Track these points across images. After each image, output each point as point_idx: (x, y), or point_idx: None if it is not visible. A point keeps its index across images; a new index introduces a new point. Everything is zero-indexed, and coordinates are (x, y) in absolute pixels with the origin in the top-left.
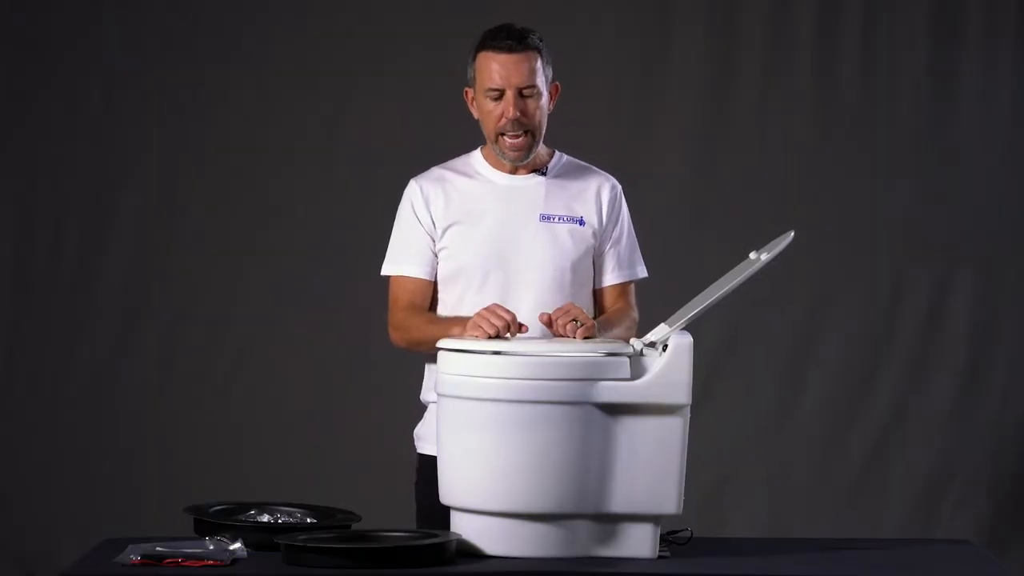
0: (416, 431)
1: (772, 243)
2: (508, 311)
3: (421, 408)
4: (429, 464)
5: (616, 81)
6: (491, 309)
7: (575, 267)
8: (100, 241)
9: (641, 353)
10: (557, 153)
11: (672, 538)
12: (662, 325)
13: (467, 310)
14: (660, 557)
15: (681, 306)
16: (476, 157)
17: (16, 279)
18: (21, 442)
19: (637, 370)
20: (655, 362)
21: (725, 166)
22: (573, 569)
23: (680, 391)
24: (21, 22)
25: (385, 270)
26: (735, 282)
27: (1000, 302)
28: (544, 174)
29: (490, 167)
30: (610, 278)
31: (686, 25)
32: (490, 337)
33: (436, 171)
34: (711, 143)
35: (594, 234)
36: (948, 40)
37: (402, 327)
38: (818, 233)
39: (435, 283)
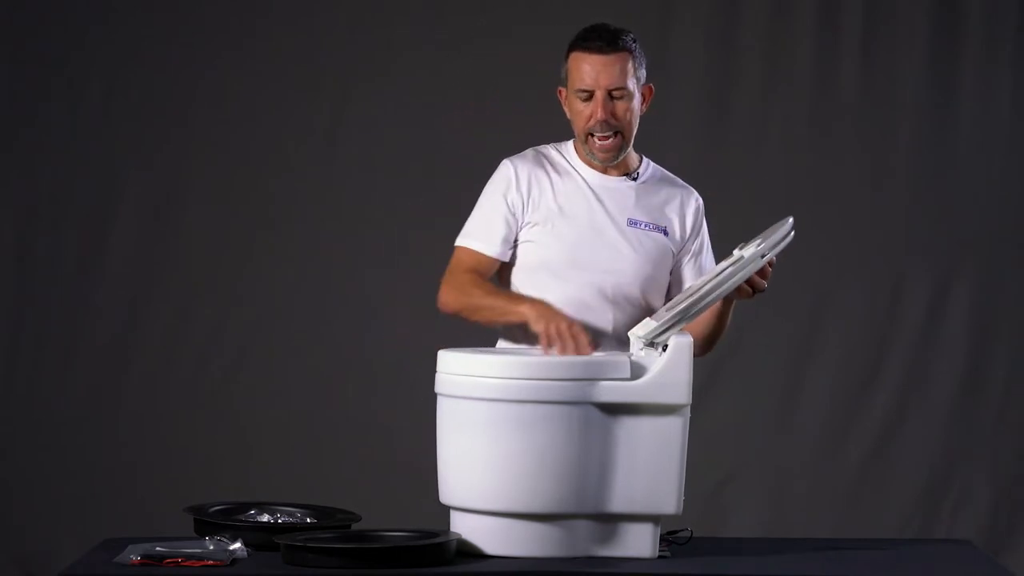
0: None
1: (767, 232)
2: (587, 342)
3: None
4: None
5: None
6: (575, 334)
7: (654, 275)
8: (100, 241)
9: (641, 352)
10: (646, 159)
11: (672, 538)
12: (648, 320)
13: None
14: (660, 557)
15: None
16: (570, 150)
17: (16, 279)
18: (21, 442)
19: (637, 370)
20: (655, 362)
21: (725, 166)
22: (573, 569)
23: (680, 391)
24: (22, 22)
25: (459, 241)
26: (736, 278)
27: (1000, 302)
28: (635, 179)
29: (583, 164)
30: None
31: (686, 25)
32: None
33: (533, 156)
34: (711, 143)
35: (675, 246)
36: (948, 40)
37: (462, 289)
38: (818, 233)
39: (505, 264)
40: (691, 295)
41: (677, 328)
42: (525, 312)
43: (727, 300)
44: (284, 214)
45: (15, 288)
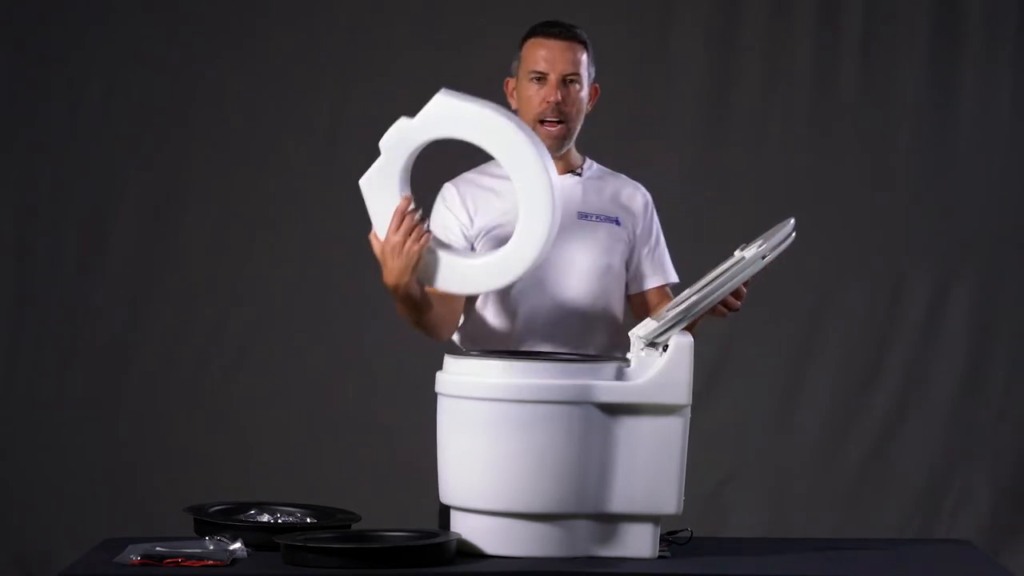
0: None
1: (768, 233)
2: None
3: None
4: None
5: (616, 81)
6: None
7: (610, 265)
8: (100, 241)
9: (641, 352)
10: (589, 159)
11: (672, 538)
12: (648, 320)
13: (505, 304)
14: (660, 557)
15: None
16: None
17: (16, 279)
18: (21, 442)
19: (637, 370)
20: (655, 362)
21: (725, 166)
22: (573, 569)
23: (680, 391)
24: (22, 22)
25: None
26: (737, 279)
27: (1000, 302)
28: (580, 175)
29: None
30: (652, 281)
31: (686, 25)
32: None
33: (470, 175)
34: (711, 143)
35: (628, 237)
36: (948, 40)
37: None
38: (818, 233)
39: None
40: (692, 295)
41: (678, 328)
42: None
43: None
44: (284, 214)
45: (15, 288)
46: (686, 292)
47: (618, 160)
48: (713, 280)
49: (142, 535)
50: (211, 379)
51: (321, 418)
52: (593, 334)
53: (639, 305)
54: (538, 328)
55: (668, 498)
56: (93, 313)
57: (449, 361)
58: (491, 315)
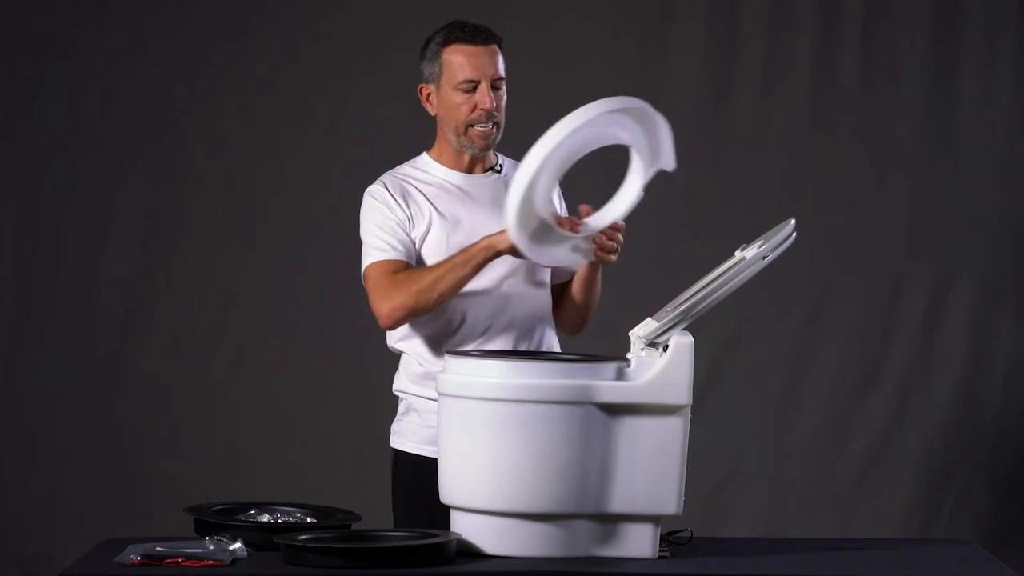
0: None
1: (769, 234)
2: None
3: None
4: (408, 463)
5: (616, 81)
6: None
7: None
8: (100, 241)
9: (641, 353)
10: (500, 155)
11: (672, 538)
12: (648, 320)
13: (445, 303)
14: (660, 557)
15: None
16: (426, 161)
17: (16, 279)
18: (21, 442)
19: (637, 370)
20: (656, 362)
21: (725, 165)
22: (573, 569)
23: (680, 391)
24: (22, 21)
25: (368, 261)
26: (738, 279)
27: (1000, 302)
28: (499, 171)
29: (445, 168)
30: (569, 272)
31: (686, 24)
32: None
33: (393, 179)
34: (711, 142)
35: None
36: (948, 40)
37: (403, 284)
38: (818, 233)
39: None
40: (693, 295)
41: (678, 328)
42: (494, 240)
43: (593, 267)
44: (284, 214)
45: (15, 289)
46: (686, 292)
47: (617, 159)
48: (713, 280)
49: (142, 535)
50: (211, 379)
51: (321, 418)
52: (533, 328)
53: (557, 296)
54: (479, 325)
55: (668, 498)
56: (93, 314)
57: (450, 361)
58: (432, 315)
